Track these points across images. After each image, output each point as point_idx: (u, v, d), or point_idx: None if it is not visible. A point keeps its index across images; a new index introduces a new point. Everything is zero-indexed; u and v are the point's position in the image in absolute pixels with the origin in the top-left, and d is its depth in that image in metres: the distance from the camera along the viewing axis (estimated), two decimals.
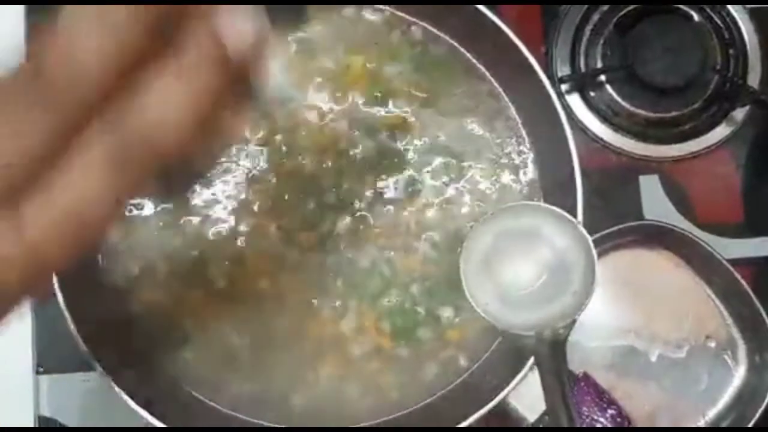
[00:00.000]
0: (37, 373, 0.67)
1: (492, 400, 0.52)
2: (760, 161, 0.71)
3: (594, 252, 0.49)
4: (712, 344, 0.67)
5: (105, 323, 0.57)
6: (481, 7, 0.57)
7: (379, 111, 0.60)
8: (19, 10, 0.71)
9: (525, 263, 0.50)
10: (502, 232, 0.51)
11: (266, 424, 0.57)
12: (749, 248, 0.70)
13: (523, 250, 0.51)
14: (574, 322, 0.49)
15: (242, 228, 0.59)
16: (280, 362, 0.58)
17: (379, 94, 0.60)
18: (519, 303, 0.50)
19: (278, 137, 0.59)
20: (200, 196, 0.59)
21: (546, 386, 0.47)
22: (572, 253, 0.50)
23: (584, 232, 0.50)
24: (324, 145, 0.60)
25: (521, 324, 0.49)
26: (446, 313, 0.58)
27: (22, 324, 0.67)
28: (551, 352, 0.48)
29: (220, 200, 0.59)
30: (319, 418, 0.57)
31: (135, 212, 0.59)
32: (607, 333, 0.67)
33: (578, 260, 0.50)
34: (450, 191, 0.60)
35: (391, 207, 0.59)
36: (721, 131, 0.71)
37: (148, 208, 0.59)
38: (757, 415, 0.64)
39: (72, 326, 0.53)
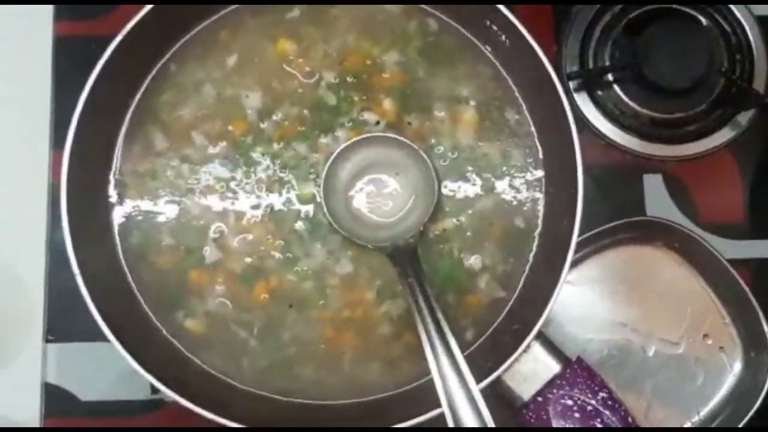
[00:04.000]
0: (47, 341, 0.69)
1: (486, 378, 0.53)
2: (762, 165, 0.72)
3: (434, 174, 0.58)
4: (709, 342, 0.68)
5: (116, 294, 0.59)
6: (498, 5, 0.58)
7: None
8: (48, 10, 0.73)
9: (379, 188, 0.60)
10: (358, 162, 0.59)
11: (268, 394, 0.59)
12: (749, 249, 0.70)
13: (378, 177, 0.60)
14: (420, 232, 0.58)
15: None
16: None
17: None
18: (373, 221, 0.59)
19: None
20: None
21: (408, 284, 0.54)
22: (416, 176, 0.59)
23: (426, 157, 0.58)
24: None
25: (374, 238, 0.58)
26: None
27: (34, 293, 0.69)
28: (406, 256, 0.57)
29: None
30: (328, 385, 0.59)
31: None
32: (604, 327, 0.68)
33: (421, 182, 0.59)
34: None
35: None
36: (725, 133, 0.72)
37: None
38: (751, 413, 0.65)
39: (84, 296, 0.54)
